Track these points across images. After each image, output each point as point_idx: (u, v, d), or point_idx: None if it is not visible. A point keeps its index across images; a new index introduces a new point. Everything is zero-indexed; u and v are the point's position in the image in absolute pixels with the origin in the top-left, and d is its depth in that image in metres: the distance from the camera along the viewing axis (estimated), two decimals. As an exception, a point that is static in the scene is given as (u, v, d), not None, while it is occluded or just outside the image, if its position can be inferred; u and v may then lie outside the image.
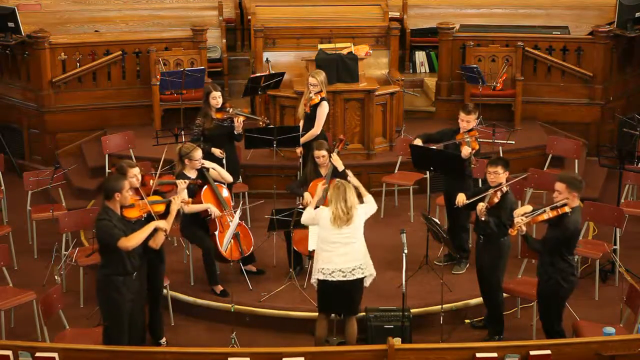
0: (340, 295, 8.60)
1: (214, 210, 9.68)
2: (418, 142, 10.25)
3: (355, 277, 8.54)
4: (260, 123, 11.17)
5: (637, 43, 13.59)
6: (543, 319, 8.65)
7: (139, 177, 8.73)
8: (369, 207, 8.81)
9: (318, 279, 8.61)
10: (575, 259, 8.60)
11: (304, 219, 8.94)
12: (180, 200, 8.72)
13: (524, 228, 8.42)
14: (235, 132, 10.77)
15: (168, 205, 8.65)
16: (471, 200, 9.17)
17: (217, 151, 10.63)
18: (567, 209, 8.29)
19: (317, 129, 10.94)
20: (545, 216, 8.36)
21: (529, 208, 8.63)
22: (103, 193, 8.25)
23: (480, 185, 10.55)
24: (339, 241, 8.51)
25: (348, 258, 8.51)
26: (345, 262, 8.50)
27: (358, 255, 8.56)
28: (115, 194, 8.11)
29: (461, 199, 9.32)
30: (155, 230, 8.34)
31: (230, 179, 10.10)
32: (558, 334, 8.53)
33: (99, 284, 8.30)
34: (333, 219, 8.46)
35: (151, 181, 8.95)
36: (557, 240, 8.34)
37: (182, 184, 9.26)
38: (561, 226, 8.30)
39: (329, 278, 8.52)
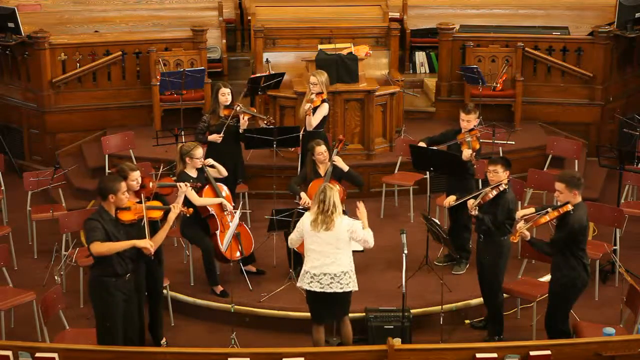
0: (325, 305, 8.48)
1: (226, 204, 9.69)
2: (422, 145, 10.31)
3: (332, 291, 8.33)
4: (266, 122, 11.14)
5: (637, 43, 13.60)
6: (550, 318, 8.62)
7: (140, 180, 8.62)
8: (364, 233, 8.36)
9: (304, 289, 8.51)
10: (587, 257, 8.58)
11: (290, 239, 8.65)
12: (179, 209, 8.59)
13: (527, 233, 8.42)
14: (240, 131, 10.76)
15: (166, 212, 8.52)
16: (459, 202, 9.22)
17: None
18: (569, 207, 8.30)
19: (312, 124, 10.89)
20: (547, 217, 8.35)
21: (531, 210, 8.62)
22: (98, 193, 8.16)
23: (481, 186, 10.56)
24: (317, 247, 8.32)
25: (325, 267, 8.30)
26: (320, 269, 8.29)
27: (337, 267, 8.31)
28: (109, 196, 8.02)
29: (449, 200, 9.46)
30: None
31: (225, 172, 10.05)
32: (564, 333, 8.53)
33: (90, 284, 8.24)
34: (312, 222, 8.31)
35: (151, 183, 8.85)
36: (564, 240, 8.35)
37: (183, 188, 9.13)
38: (566, 225, 8.31)
39: (307, 287, 8.41)
